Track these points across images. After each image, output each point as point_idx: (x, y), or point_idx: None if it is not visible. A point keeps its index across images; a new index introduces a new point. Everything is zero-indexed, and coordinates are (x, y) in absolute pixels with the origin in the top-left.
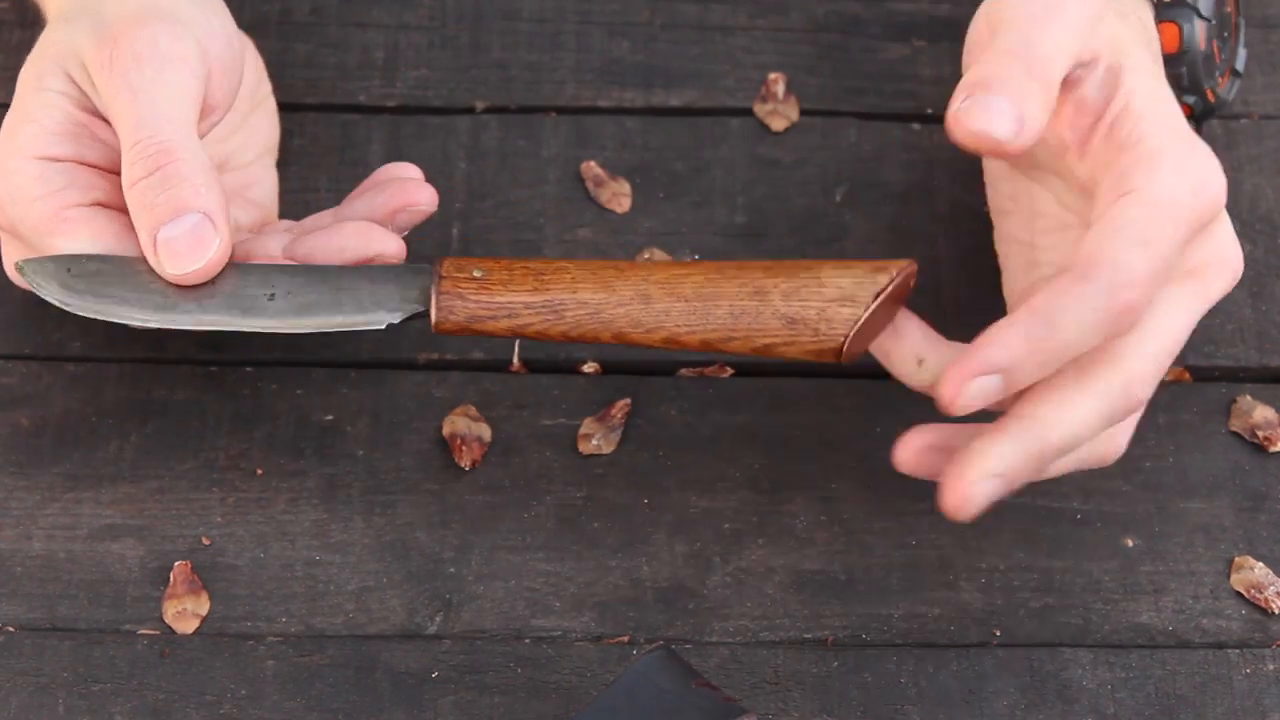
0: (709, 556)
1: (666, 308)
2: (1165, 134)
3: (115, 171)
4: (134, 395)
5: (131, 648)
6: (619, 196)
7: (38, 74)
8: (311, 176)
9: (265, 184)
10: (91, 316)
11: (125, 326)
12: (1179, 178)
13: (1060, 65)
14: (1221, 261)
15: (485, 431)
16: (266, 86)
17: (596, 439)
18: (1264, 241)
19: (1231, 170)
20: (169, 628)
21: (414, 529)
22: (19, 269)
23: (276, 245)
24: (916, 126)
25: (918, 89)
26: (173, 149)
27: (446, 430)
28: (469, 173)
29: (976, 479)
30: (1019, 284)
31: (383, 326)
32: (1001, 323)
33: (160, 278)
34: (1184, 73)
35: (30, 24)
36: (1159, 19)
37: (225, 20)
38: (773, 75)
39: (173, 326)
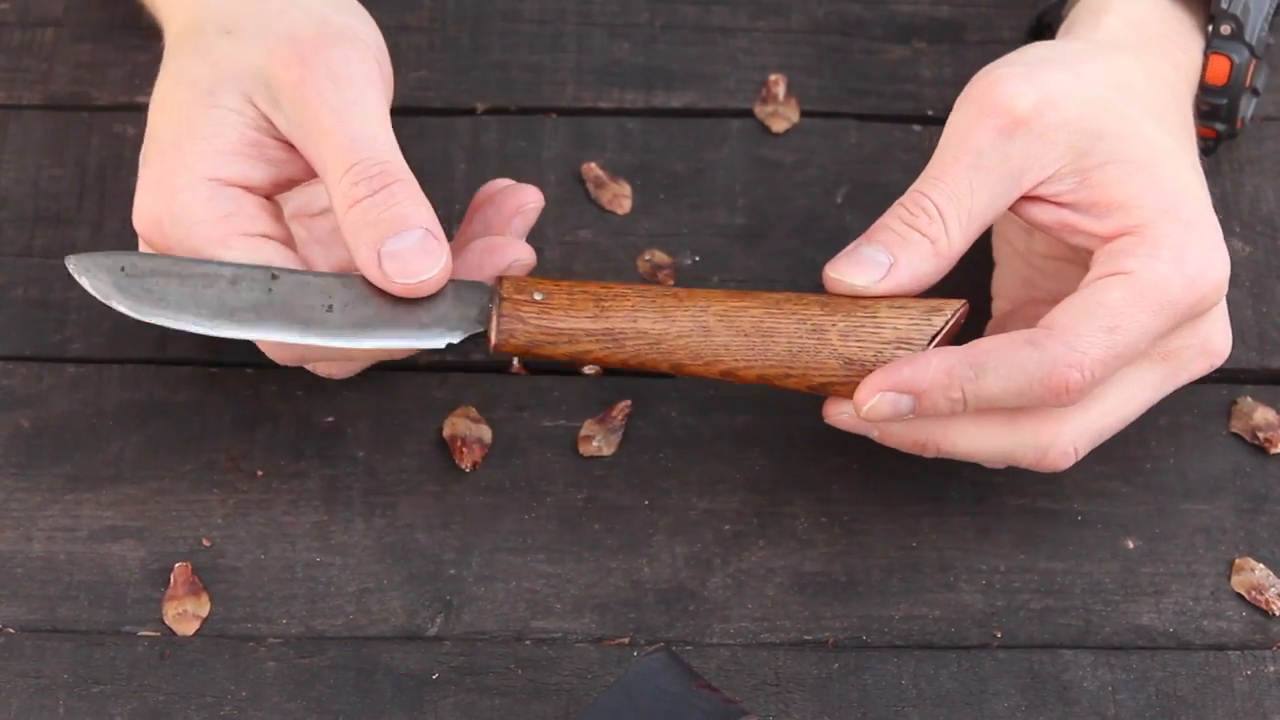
0: (709, 558)
1: (725, 341)
2: (1168, 220)
3: (273, 195)
4: (135, 397)
5: (132, 649)
6: (619, 198)
7: (209, 89)
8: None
9: None
10: (145, 320)
11: (125, 326)
12: (1175, 268)
13: (985, 216)
14: (1203, 349)
15: (486, 433)
16: None
17: (597, 440)
18: (1264, 243)
19: (1232, 171)
20: (169, 629)
21: (414, 530)
22: (66, 263)
23: None
24: (917, 128)
25: (918, 90)
26: (393, 170)
27: (447, 432)
28: (469, 174)
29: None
30: (1007, 287)
31: (442, 346)
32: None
33: (215, 283)
34: (1224, 104)
35: (32, 25)
36: (1212, 49)
37: (379, 31)
38: (773, 76)
39: (230, 335)
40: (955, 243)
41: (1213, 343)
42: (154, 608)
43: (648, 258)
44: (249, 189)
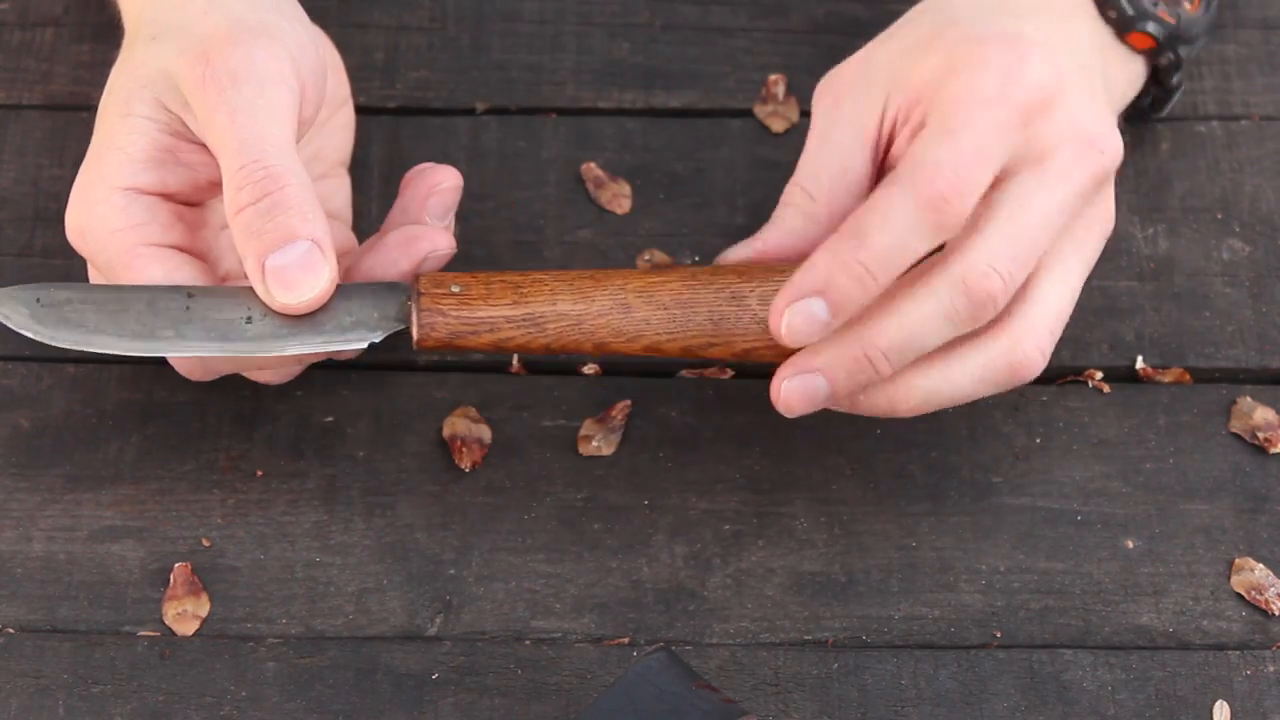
0: (709, 558)
1: (646, 316)
2: (957, 53)
3: (196, 202)
4: (134, 397)
5: (131, 649)
6: (619, 198)
7: (125, 99)
8: None
9: (340, 195)
10: (65, 348)
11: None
12: (980, 73)
13: (845, 174)
14: (1076, 139)
15: (485, 433)
16: (345, 90)
17: (597, 440)
18: (1264, 243)
19: (1232, 171)
20: (169, 629)
21: (414, 530)
22: None
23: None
24: None
25: None
26: (280, 175)
27: (447, 432)
28: (469, 174)
29: (790, 374)
30: None
31: (364, 346)
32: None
33: (132, 306)
34: (1171, 58)
35: (32, 25)
36: (1127, 29)
37: (308, 28)
38: (773, 76)
39: (150, 354)
40: (823, 203)
41: (1082, 123)
42: (154, 608)
43: (647, 258)
44: (169, 196)
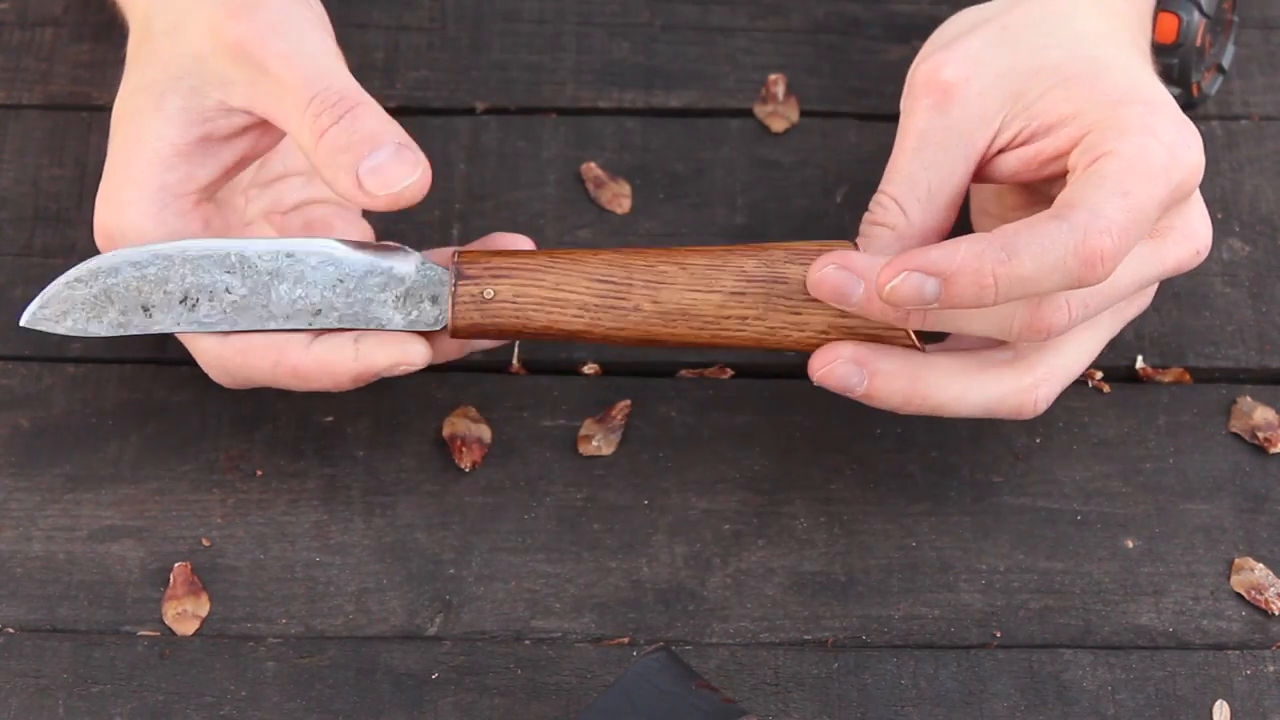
0: (709, 558)
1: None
2: (1125, 106)
3: (218, 186)
4: (134, 396)
5: (131, 649)
6: (619, 197)
7: (159, 92)
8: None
9: None
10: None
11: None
12: (1151, 139)
13: (946, 188)
14: (1185, 232)
15: (485, 432)
16: None
17: (597, 440)
18: (1264, 243)
19: (1232, 171)
20: (169, 629)
21: (414, 530)
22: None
23: None
24: None
25: None
26: (351, 94)
27: (446, 431)
28: (469, 174)
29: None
30: None
31: (409, 263)
32: (965, 236)
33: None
34: (1175, 64)
35: (32, 25)
36: (1160, 7)
37: None
38: (773, 76)
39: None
40: (917, 222)
41: (1194, 227)
42: (154, 608)
43: None
44: (199, 192)
